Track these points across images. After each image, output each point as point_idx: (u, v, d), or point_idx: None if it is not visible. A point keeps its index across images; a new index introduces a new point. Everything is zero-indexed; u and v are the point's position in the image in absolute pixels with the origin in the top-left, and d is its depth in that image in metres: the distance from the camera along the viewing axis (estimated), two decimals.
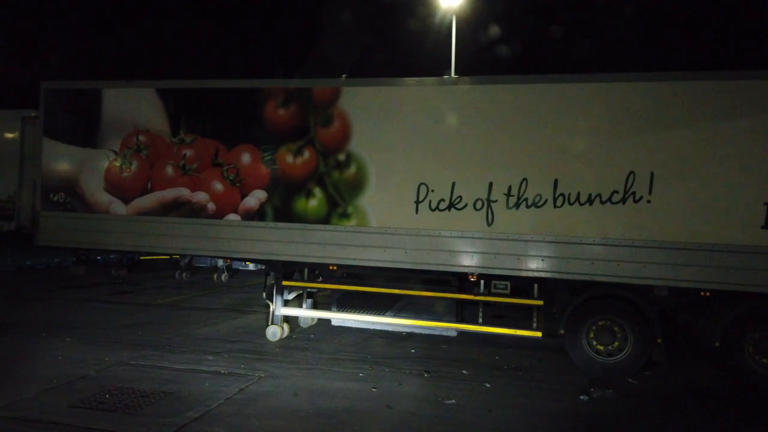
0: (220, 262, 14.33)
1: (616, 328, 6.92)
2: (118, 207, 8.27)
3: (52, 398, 5.60)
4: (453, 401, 5.87)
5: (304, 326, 9.08)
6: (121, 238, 8.31)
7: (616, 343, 6.93)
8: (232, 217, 7.92)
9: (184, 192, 8.04)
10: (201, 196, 7.99)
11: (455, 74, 18.35)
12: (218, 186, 7.96)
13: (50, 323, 8.80)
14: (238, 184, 7.89)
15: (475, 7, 20.35)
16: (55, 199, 8.60)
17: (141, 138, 8.19)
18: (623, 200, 6.59)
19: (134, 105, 8.28)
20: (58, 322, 8.95)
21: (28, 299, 10.95)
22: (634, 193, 6.56)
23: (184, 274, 14.65)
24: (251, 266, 14.43)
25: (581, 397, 6.08)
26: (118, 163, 8.26)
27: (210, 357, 7.22)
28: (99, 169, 8.34)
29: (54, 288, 12.46)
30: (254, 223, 7.85)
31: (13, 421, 5.02)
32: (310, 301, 8.69)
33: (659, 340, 6.76)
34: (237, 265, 14.35)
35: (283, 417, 5.33)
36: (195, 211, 8.01)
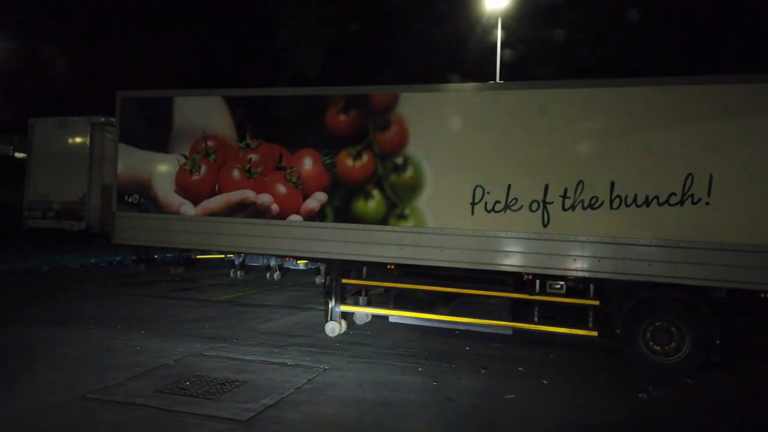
0: (273, 261, 14.86)
1: (673, 329, 6.99)
2: (188, 208, 8.79)
3: (139, 384, 6.09)
4: (512, 396, 6.08)
5: (359, 323, 9.41)
6: (191, 238, 8.84)
7: (673, 344, 6.99)
8: (295, 217, 8.33)
9: (249, 194, 8.50)
10: (265, 198, 8.43)
11: (500, 75, 18.50)
12: (281, 188, 8.38)
13: (123, 317, 9.40)
14: (300, 187, 8.30)
15: (525, 9, 20.40)
16: (130, 200, 9.19)
17: (209, 143, 8.69)
18: (681, 202, 6.67)
19: (203, 112, 8.80)
20: (130, 316, 9.55)
21: (98, 295, 11.66)
22: (692, 195, 6.63)
23: (238, 273, 15.23)
24: (301, 266, 14.87)
25: (640, 396, 6.21)
26: (188, 167, 8.79)
27: (276, 350, 7.63)
28: (170, 173, 8.89)
29: (119, 284, 13.21)
30: (315, 223, 8.24)
31: (108, 404, 5.51)
32: (364, 299, 9.01)
33: (717, 342, 6.80)
34: (288, 264, 14.86)
35: (352, 406, 5.66)
36: (260, 212, 8.45)
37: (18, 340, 7.68)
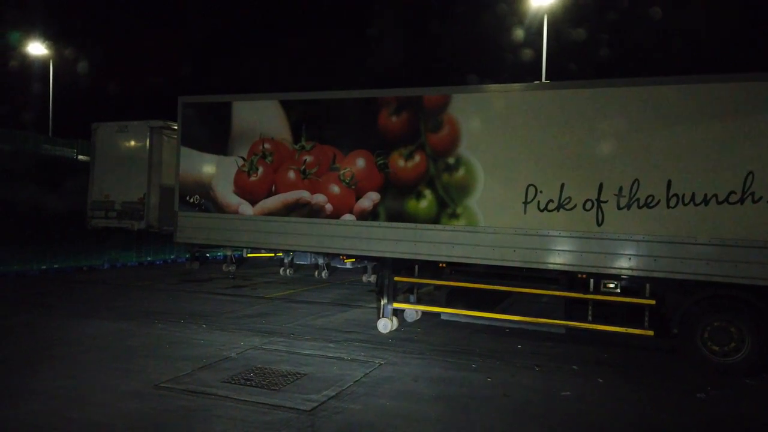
0: (321, 260, 15.24)
1: (732, 329, 6.87)
2: (246, 208, 9.16)
3: (206, 375, 6.42)
4: (568, 393, 6.13)
5: (408, 320, 9.58)
6: (249, 237, 9.21)
7: (733, 344, 6.88)
8: (348, 217, 8.57)
9: (304, 194, 8.79)
10: (320, 198, 8.71)
11: (546, 74, 18.34)
12: (335, 189, 8.63)
13: (184, 312, 9.87)
14: (353, 187, 8.53)
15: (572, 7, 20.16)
16: (191, 200, 9.64)
17: (266, 145, 9.03)
18: (741, 201, 6.57)
19: (260, 115, 9.15)
20: (191, 311, 10.01)
21: (159, 291, 12.24)
22: (753, 194, 6.52)
23: (288, 271, 15.64)
24: (348, 264, 15.17)
25: (698, 395, 6.16)
26: (246, 169, 9.16)
27: (331, 345, 7.88)
28: (229, 174, 9.27)
29: (176, 282, 13.81)
30: (368, 222, 8.45)
31: (180, 392, 5.85)
32: (414, 297, 9.15)
33: None
34: (335, 263, 15.18)
35: (409, 399, 5.83)
36: (314, 212, 8.74)
37: (94, 332, 8.19)
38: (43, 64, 29.07)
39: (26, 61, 29.23)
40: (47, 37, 28.61)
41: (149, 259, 17.93)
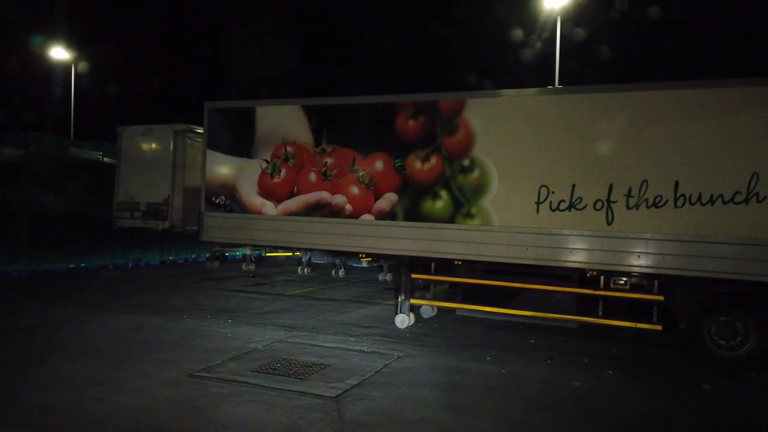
0: (337, 259, 15.61)
1: (738, 324, 7.14)
2: (269, 208, 9.57)
3: (237, 365, 6.83)
4: (579, 384, 6.45)
5: (425, 317, 9.92)
6: (272, 236, 9.62)
7: (738, 339, 7.15)
8: (367, 217, 8.94)
9: (325, 195, 9.18)
10: (340, 199, 9.09)
11: (559, 77, 18.60)
12: (355, 190, 9.01)
13: (209, 308, 10.30)
14: (372, 188, 8.90)
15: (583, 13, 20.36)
16: (217, 201, 10.07)
17: (288, 149, 9.44)
18: (746, 200, 6.84)
19: (282, 120, 9.56)
20: (215, 307, 10.45)
21: (184, 289, 12.71)
22: (757, 194, 6.79)
23: (305, 270, 16.04)
24: (365, 263, 15.53)
25: (704, 386, 6.44)
26: (269, 171, 9.57)
27: (352, 338, 8.26)
28: (253, 176, 9.69)
29: (199, 280, 14.27)
30: (386, 222, 8.82)
31: (213, 380, 6.25)
32: (430, 294, 9.48)
33: None
34: (352, 262, 15.56)
35: (428, 387, 6.19)
36: (335, 212, 9.12)
37: (127, 326, 8.65)
38: (59, 67, 29.83)
39: (48, 65, 30.02)
40: (69, 42, 29.34)
41: (171, 258, 18.45)
